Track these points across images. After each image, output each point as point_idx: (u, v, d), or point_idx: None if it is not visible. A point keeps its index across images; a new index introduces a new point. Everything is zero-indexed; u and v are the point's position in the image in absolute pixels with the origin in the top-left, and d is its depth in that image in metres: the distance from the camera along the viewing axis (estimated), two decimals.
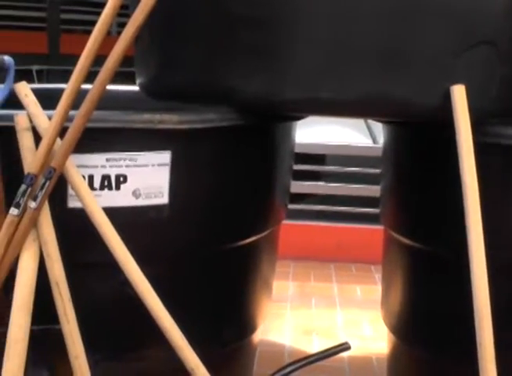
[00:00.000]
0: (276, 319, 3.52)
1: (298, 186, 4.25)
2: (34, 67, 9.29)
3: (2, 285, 1.94)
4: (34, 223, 1.92)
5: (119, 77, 2.22)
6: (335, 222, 4.63)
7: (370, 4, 2.01)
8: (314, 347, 3.29)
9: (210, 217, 2.25)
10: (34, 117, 1.95)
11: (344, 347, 2.47)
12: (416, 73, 2.06)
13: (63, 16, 11.56)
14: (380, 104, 2.09)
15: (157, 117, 2.00)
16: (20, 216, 1.90)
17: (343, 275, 4.38)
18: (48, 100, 2.05)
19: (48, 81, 9.33)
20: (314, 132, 4.51)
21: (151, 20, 1.93)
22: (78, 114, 1.88)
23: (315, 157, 4.61)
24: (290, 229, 2.83)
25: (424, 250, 2.42)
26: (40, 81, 9.13)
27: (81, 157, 1.96)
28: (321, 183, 4.68)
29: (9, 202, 1.91)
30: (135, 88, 2.70)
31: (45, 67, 9.90)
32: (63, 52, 10.82)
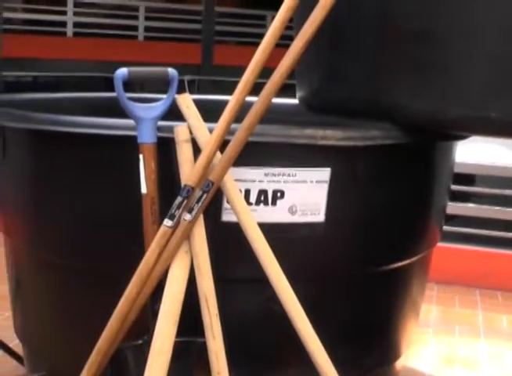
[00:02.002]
0: (418, 345, 3.39)
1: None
2: (186, 77, 9.49)
3: (150, 295, 1.93)
4: (187, 235, 1.89)
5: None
6: (483, 247, 4.46)
7: None
8: None
9: (366, 238, 2.18)
10: (194, 130, 1.93)
11: None
12: None
13: (218, 27, 11.83)
14: None
15: (320, 132, 1.94)
16: (174, 228, 1.88)
17: (489, 303, 4.19)
18: (206, 111, 2.03)
19: (199, 92, 9.52)
20: (463, 150, 4.35)
21: (318, 33, 1.87)
22: (241, 128, 1.84)
23: (465, 177, 4.45)
24: (435, 251, 2.72)
25: None
26: (191, 91, 9.33)
27: (238, 170, 1.92)
28: (470, 205, 4.52)
29: (164, 213, 1.90)
30: (290, 100, 2.66)
31: (196, 77, 10.11)
32: (215, 63, 11.06)
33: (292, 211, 1.99)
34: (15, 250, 2.49)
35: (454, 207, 4.38)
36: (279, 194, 1.97)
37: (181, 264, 1.89)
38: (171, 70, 1.99)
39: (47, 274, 2.29)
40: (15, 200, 2.36)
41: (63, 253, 2.19)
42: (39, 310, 2.39)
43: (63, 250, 2.19)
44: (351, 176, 2.08)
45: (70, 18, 12.13)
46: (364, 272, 2.23)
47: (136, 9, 12.80)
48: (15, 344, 2.81)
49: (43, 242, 2.25)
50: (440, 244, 2.67)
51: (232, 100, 1.86)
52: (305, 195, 2.00)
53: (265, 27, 11.50)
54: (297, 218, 2.00)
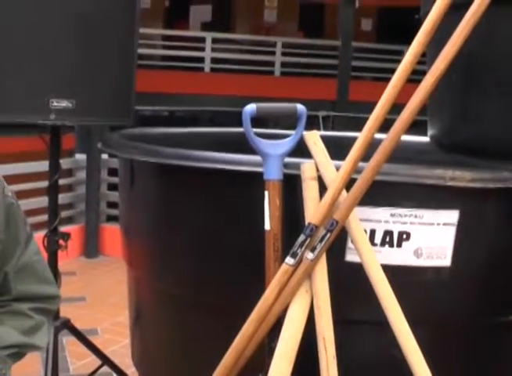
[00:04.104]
0: None
1: None
2: (321, 113, 9.50)
3: (268, 332, 1.91)
4: (309, 274, 1.86)
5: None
6: None
7: None
8: None
9: (494, 285, 2.08)
10: (321, 167, 1.90)
11: None
12: None
13: (354, 63, 11.81)
14: None
15: (449, 173, 1.87)
16: (295, 266, 1.85)
17: None
18: (335, 148, 2.00)
19: (334, 128, 9.50)
20: None
21: (450, 70, 1.81)
22: (368, 166, 1.80)
23: None
24: None
25: None
26: (325, 126, 9.32)
27: (364, 210, 1.88)
28: None
29: (286, 250, 1.88)
30: (420, 138, 2.60)
31: (331, 113, 10.10)
32: (350, 99, 11.00)
33: (417, 253, 1.93)
34: (136, 279, 2.53)
35: None
36: (404, 236, 1.92)
37: (300, 303, 1.86)
38: (300, 107, 1.97)
39: (166, 305, 2.32)
40: (139, 230, 2.41)
41: (184, 285, 2.21)
42: (156, 340, 2.42)
43: (184, 282, 2.20)
44: (480, 219, 2.00)
45: (207, 54, 12.41)
46: (490, 320, 2.12)
47: (273, 44, 12.95)
48: (132, 371, 2.86)
49: (164, 273, 2.27)
50: None
51: (360, 137, 1.83)
52: (432, 238, 1.93)
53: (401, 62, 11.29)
54: (423, 262, 1.94)
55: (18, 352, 1.62)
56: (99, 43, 2.64)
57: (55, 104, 2.57)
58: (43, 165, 3.31)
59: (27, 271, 1.64)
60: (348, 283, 1.93)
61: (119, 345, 3.80)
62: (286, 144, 1.94)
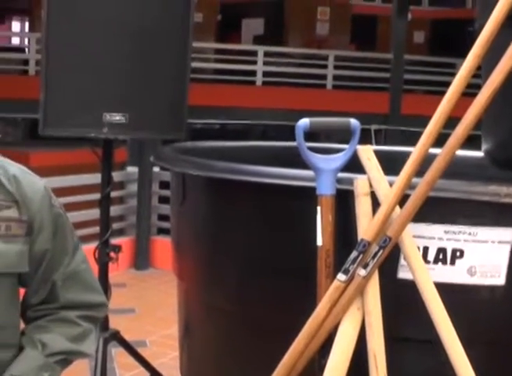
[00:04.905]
0: None
1: None
2: (373, 127, 9.45)
3: (319, 348, 1.89)
4: (361, 292, 1.85)
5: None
6: None
7: None
8: None
9: None
10: (374, 182, 1.89)
11: None
12: None
13: (406, 76, 11.72)
14: None
15: (504, 189, 1.84)
16: (347, 283, 1.84)
17: None
18: (389, 163, 1.98)
19: (386, 142, 9.42)
20: None
21: (506, 83, 1.78)
22: (422, 182, 1.78)
23: None
24: None
25: None
26: (377, 140, 9.25)
27: (417, 226, 1.86)
28: None
29: (338, 266, 1.86)
30: (474, 152, 2.56)
31: (383, 127, 10.03)
32: (402, 113, 10.92)
33: (471, 272, 1.89)
34: (186, 293, 2.53)
35: None
36: (458, 253, 1.89)
37: (352, 320, 1.85)
38: (353, 121, 1.95)
39: (215, 319, 2.31)
40: (190, 244, 2.41)
41: (233, 300, 2.20)
42: (205, 353, 2.41)
43: (233, 297, 2.20)
44: None
45: (259, 67, 12.43)
46: None
47: (325, 57, 12.92)
48: None
49: (213, 288, 2.27)
50: None
51: (414, 153, 1.81)
52: (486, 256, 1.90)
53: (454, 75, 11.07)
54: (476, 280, 1.90)
55: (65, 358, 1.62)
56: (152, 57, 2.66)
57: (108, 118, 2.59)
58: (95, 178, 3.34)
59: (74, 279, 1.65)
60: (400, 301, 1.91)
61: (167, 358, 3.80)
62: (339, 159, 1.93)
